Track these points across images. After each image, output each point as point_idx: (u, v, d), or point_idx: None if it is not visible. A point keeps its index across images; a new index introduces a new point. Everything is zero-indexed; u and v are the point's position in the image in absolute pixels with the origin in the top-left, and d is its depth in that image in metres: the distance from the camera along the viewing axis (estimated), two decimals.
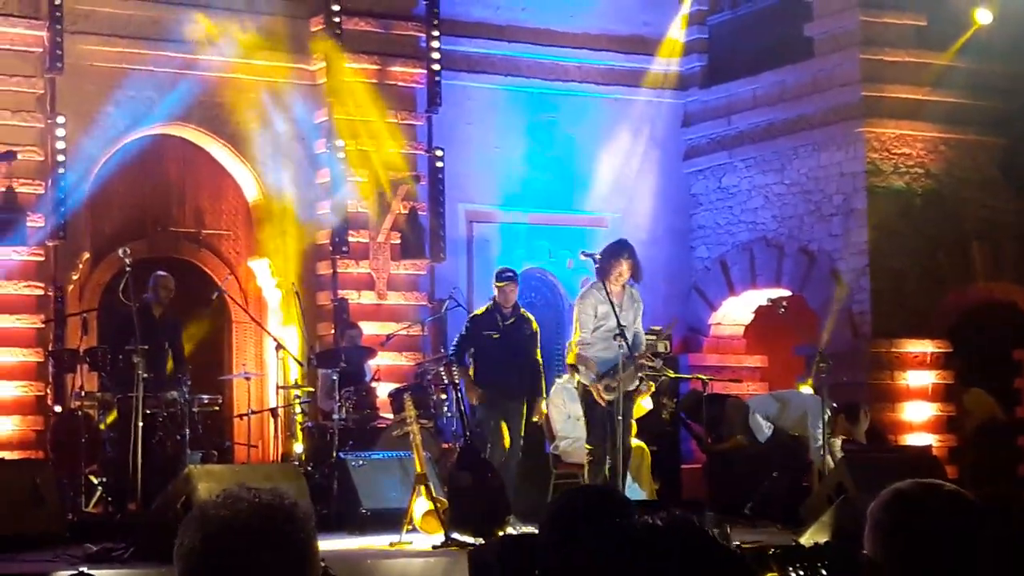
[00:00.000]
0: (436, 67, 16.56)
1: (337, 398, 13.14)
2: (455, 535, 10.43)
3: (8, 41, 14.80)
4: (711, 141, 18.44)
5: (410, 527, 10.83)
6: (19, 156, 14.57)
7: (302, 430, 13.64)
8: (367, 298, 16.28)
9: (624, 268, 11.21)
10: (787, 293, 17.10)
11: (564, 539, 3.60)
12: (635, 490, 12.19)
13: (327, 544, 9.49)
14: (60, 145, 14.68)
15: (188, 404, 12.21)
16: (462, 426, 11.94)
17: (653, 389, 12.54)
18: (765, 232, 17.62)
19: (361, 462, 12.26)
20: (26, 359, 14.71)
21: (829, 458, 13.11)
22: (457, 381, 12.23)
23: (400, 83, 16.64)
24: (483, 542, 9.83)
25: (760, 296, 17.89)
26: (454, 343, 12.91)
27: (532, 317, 12.79)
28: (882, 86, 16.51)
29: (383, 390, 14.31)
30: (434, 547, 10.38)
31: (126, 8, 15.39)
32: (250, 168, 16.14)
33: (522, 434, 12.37)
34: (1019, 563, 3.45)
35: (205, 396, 12.93)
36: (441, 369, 12.95)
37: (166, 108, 15.43)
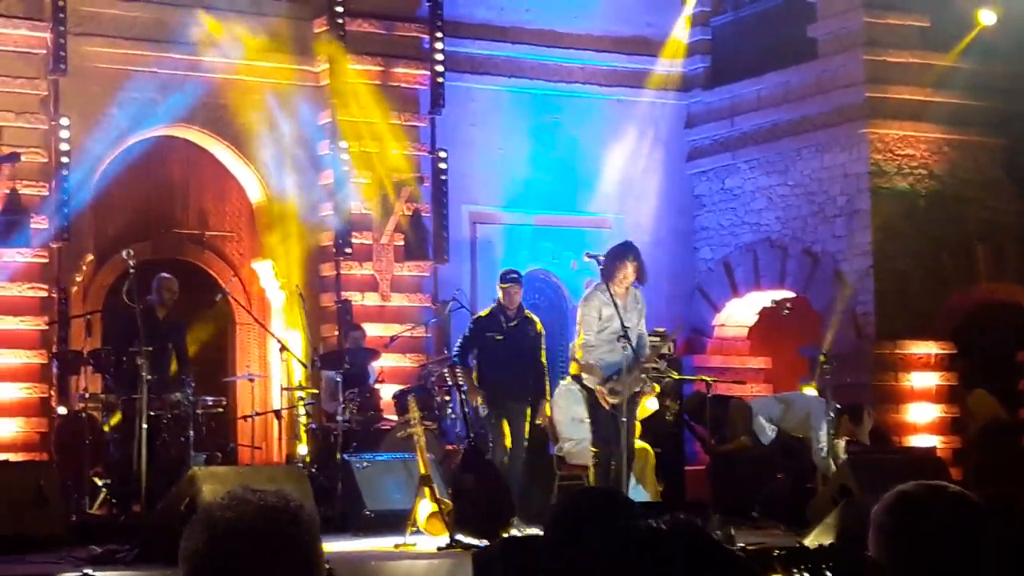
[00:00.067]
0: (439, 68, 16.57)
1: (341, 400, 13.14)
2: (459, 537, 10.43)
3: (12, 43, 14.82)
4: (714, 142, 18.44)
5: (414, 529, 10.82)
6: (23, 158, 14.59)
7: (306, 432, 13.64)
8: (371, 300, 16.29)
9: (629, 270, 11.19)
10: (791, 294, 17.10)
11: (568, 541, 3.60)
12: (639, 491, 12.19)
13: (331, 546, 9.49)
14: (64, 147, 14.69)
15: (192, 406, 12.21)
16: (466, 428, 11.94)
17: (658, 390, 12.53)
18: (769, 233, 17.62)
19: (365, 464, 12.26)
20: (30, 361, 14.72)
21: (830, 460, 13.10)
22: (461, 383, 12.22)
23: (404, 84, 16.65)
24: (487, 544, 9.82)
25: (764, 297, 17.89)
26: (457, 345, 12.90)
27: (536, 319, 12.74)
28: (886, 87, 16.51)
29: (387, 392, 14.32)
30: (438, 549, 10.37)
31: (130, 10, 15.40)
32: (254, 170, 16.16)
33: (526, 436, 12.35)
34: (1023, 564, 3.45)
35: (209, 398, 12.93)
36: (445, 371, 12.95)
37: (170, 110, 15.44)
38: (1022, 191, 16.81)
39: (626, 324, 10.93)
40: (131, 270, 12.00)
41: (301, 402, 13.89)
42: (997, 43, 16.54)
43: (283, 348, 14.21)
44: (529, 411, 12.35)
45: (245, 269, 16.44)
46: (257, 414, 15.02)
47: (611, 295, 11.05)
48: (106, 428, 12.77)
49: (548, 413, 12.59)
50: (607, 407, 11.05)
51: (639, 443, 12.08)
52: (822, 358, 13.23)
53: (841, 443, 13.53)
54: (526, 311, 12.70)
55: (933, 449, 15.53)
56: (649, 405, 12.35)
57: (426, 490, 10.94)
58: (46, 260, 14.86)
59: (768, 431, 14.09)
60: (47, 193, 14.77)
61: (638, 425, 11.75)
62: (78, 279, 15.19)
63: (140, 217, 15.90)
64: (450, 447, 13.24)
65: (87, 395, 13.16)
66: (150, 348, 11.74)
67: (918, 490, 3.19)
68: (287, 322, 15.99)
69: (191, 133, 15.99)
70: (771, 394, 16.37)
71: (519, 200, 17.49)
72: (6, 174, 14.53)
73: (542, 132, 17.76)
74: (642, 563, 2.54)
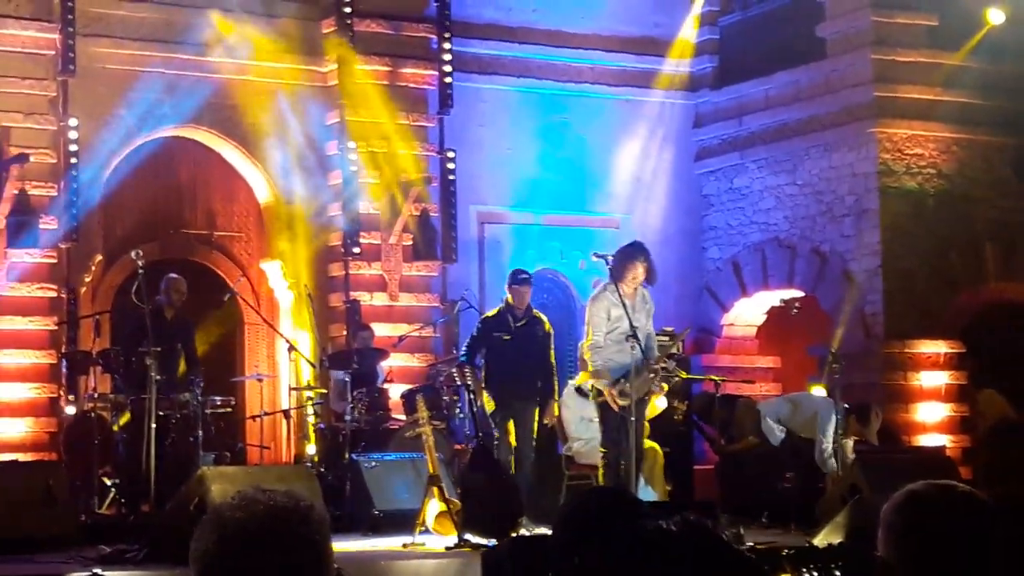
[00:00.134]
0: (448, 69, 16.58)
1: (349, 399, 13.15)
2: (468, 536, 10.42)
3: (20, 44, 14.84)
4: (723, 142, 18.43)
5: (423, 528, 10.83)
6: (32, 159, 14.60)
7: (314, 432, 13.65)
8: (379, 300, 16.30)
9: (640, 271, 11.17)
10: (799, 294, 17.09)
11: (576, 541, 3.60)
12: (648, 491, 12.17)
13: (339, 546, 9.46)
14: (73, 148, 14.71)
15: (201, 406, 12.21)
16: (474, 427, 11.93)
17: (667, 390, 12.52)
18: (777, 233, 17.61)
19: (373, 463, 12.26)
20: (39, 361, 14.74)
21: (832, 461, 13.08)
22: (469, 382, 12.22)
23: (412, 85, 16.66)
24: (496, 543, 9.82)
25: (772, 297, 17.88)
26: (465, 345, 12.89)
27: (545, 318, 12.72)
28: (894, 86, 16.50)
29: (395, 391, 14.31)
30: (447, 548, 10.36)
31: (138, 11, 15.42)
32: (262, 170, 16.17)
33: (535, 436, 12.34)
34: None
35: (218, 398, 12.93)
36: (453, 370, 12.95)
37: (178, 110, 15.46)
38: None
39: (635, 324, 10.91)
40: (140, 270, 12.01)
41: (310, 402, 13.89)
42: (1006, 42, 16.52)
43: (292, 348, 14.22)
44: (537, 411, 12.35)
45: (253, 269, 16.45)
46: (266, 414, 15.05)
47: (620, 295, 11.02)
48: (115, 428, 12.78)
49: (556, 413, 12.59)
50: (616, 409, 11.04)
51: (647, 443, 12.07)
52: (831, 357, 13.21)
53: (849, 443, 13.52)
54: (534, 311, 12.68)
55: (942, 448, 15.50)
56: (658, 404, 12.33)
57: (435, 490, 10.94)
58: (55, 260, 14.89)
59: (777, 432, 14.07)
60: (56, 194, 14.79)
61: (647, 425, 11.73)
62: (87, 279, 15.21)
63: (149, 217, 15.92)
64: (459, 447, 13.24)
65: (96, 395, 13.17)
66: (159, 348, 11.75)
67: (927, 489, 3.18)
68: (295, 322, 16.00)
69: (199, 134, 16.01)
70: (779, 394, 16.34)
71: (527, 200, 17.49)
72: (15, 175, 14.55)
73: (550, 132, 17.76)
74: (651, 563, 2.54)
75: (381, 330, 15.46)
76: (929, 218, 16.46)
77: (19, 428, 14.52)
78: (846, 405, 13.40)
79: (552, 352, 12.59)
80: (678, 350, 13.93)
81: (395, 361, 15.35)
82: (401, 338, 15.45)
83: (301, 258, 16.08)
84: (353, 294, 16.14)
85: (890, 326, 16.18)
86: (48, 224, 14.69)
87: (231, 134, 15.98)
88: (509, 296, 12.53)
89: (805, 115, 17.27)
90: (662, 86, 18.43)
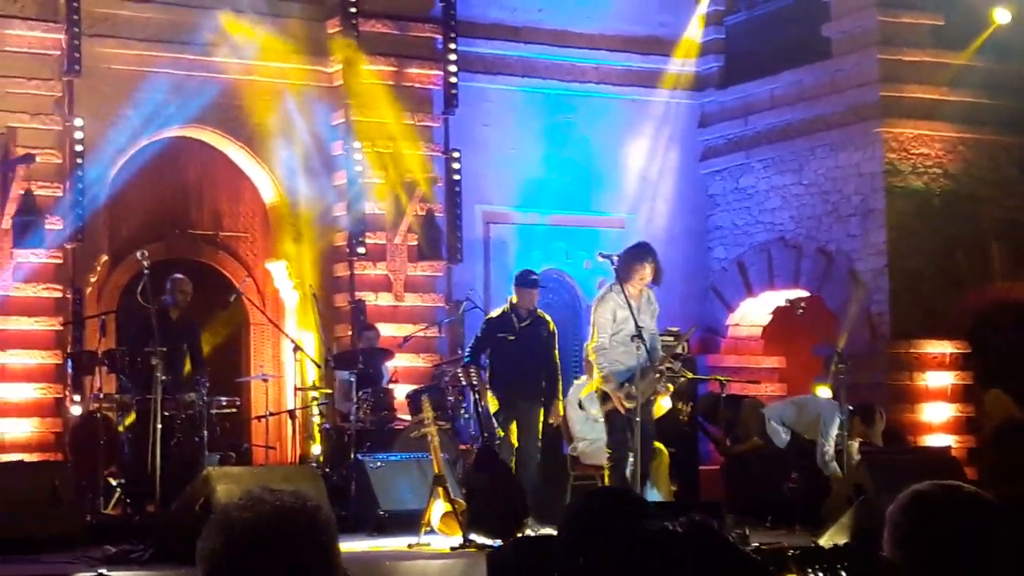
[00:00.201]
0: (453, 69, 16.58)
1: (354, 400, 13.15)
2: (473, 536, 10.43)
3: (26, 44, 14.85)
4: (728, 142, 18.42)
5: (428, 529, 10.83)
6: (37, 159, 14.61)
7: (320, 432, 13.66)
8: (384, 300, 16.30)
9: (647, 272, 11.16)
10: (805, 294, 17.08)
11: (581, 541, 3.60)
12: (653, 492, 12.16)
13: (345, 546, 9.46)
14: (78, 148, 14.72)
15: (206, 406, 12.23)
16: (479, 427, 11.92)
17: (672, 390, 12.51)
18: (783, 233, 17.60)
19: (379, 464, 12.27)
20: (44, 361, 14.75)
21: (833, 464, 13.07)
22: (475, 383, 12.22)
23: (417, 85, 16.67)
24: (501, 544, 9.82)
25: (778, 297, 17.86)
26: (470, 345, 12.89)
27: (549, 318, 12.71)
28: (900, 86, 16.48)
29: (400, 392, 14.32)
30: (452, 549, 10.37)
31: (144, 11, 15.43)
32: (267, 170, 16.18)
33: (539, 436, 12.34)
34: None
35: (223, 398, 12.95)
36: (459, 371, 12.95)
37: (184, 110, 15.46)
38: None
39: (640, 325, 10.90)
40: (145, 271, 12.03)
41: (315, 402, 13.90)
42: (1012, 41, 16.51)
43: (297, 348, 14.23)
44: (542, 411, 12.35)
45: (259, 269, 16.46)
46: (271, 414, 15.02)
47: (626, 296, 11.01)
48: (120, 428, 12.80)
49: (561, 413, 12.58)
50: (623, 412, 11.03)
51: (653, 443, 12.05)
52: (836, 357, 13.18)
53: (854, 444, 13.50)
54: (539, 311, 12.67)
55: (948, 448, 15.49)
56: (663, 404, 12.33)
57: (440, 490, 10.94)
58: (61, 261, 14.90)
59: (782, 434, 14.05)
60: (61, 194, 14.80)
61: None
62: (92, 280, 15.22)
63: (154, 218, 15.93)
64: (464, 447, 13.24)
65: (101, 395, 13.18)
66: (164, 348, 11.77)
67: (933, 490, 3.18)
68: (301, 322, 16.01)
69: (205, 134, 16.02)
70: (784, 396, 16.32)
71: (532, 200, 17.49)
72: (21, 175, 14.57)
73: (555, 132, 17.75)
74: (655, 564, 2.54)
75: (386, 330, 15.46)
76: (935, 218, 16.45)
77: (25, 428, 14.54)
78: (850, 407, 13.39)
79: (556, 352, 12.59)
80: (683, 350, 13.92)
81: (400, 361, 15.34)
82: (406, 338, 15.44)
83: (306, 258, 16.09)
84: (358, 294, 16.14)
85: (896, 326, 16.17)
86: (54, 224, 14.69)
87: (237, 134, 15.99)
88: (514, 296, 12.53)
89: (811, 115, 17.26)
90: (667, 86, 18.42)
